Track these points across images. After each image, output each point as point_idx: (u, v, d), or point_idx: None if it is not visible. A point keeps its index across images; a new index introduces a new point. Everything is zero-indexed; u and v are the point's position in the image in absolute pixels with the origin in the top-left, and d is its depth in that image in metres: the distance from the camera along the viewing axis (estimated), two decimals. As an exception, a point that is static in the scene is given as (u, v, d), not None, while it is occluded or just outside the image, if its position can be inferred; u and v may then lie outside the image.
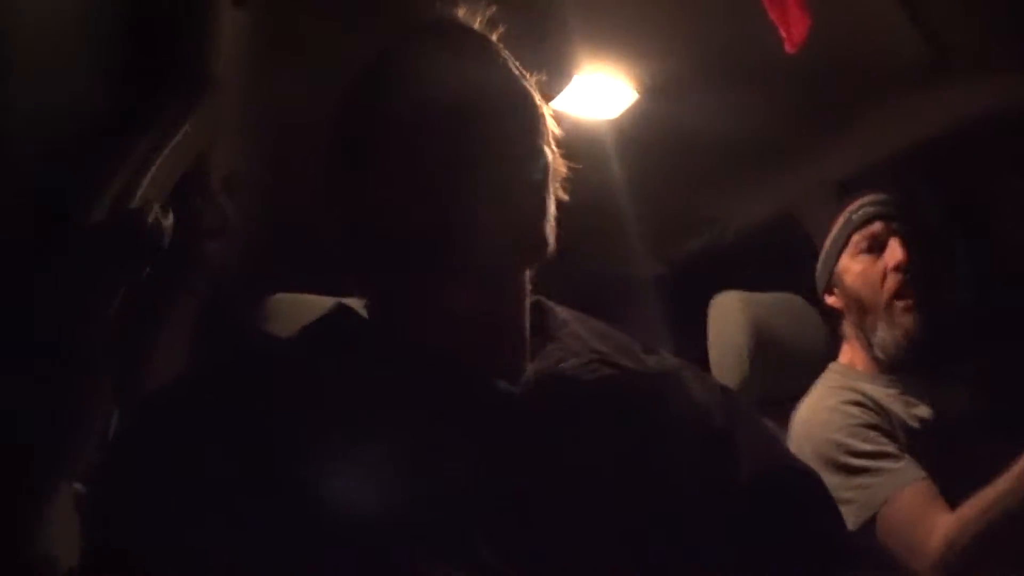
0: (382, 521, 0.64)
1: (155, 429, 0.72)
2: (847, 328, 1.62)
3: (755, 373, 1.68)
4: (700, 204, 2.17)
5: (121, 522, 0.68)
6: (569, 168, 0.85)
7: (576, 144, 0.85)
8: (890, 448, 1.36)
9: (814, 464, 1.15)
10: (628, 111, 1.73)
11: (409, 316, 0.80)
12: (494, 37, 0.85)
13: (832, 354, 1.66)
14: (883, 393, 1.48)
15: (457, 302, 0.77)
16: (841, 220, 1.64)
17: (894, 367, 1.52)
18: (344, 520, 0.64)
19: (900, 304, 1.51)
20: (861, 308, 1.57)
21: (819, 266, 1.69)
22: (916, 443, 1.38)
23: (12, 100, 0.87)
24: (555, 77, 1.54)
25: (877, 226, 1.58)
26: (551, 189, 0.79)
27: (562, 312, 0.89)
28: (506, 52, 0.83)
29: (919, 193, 1.88)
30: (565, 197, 0.82)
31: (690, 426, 0.81)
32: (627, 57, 1.59)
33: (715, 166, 1.97)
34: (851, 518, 1.29)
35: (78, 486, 0.96)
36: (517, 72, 0.82)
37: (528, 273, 0.83)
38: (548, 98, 0.85)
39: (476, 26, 0.85)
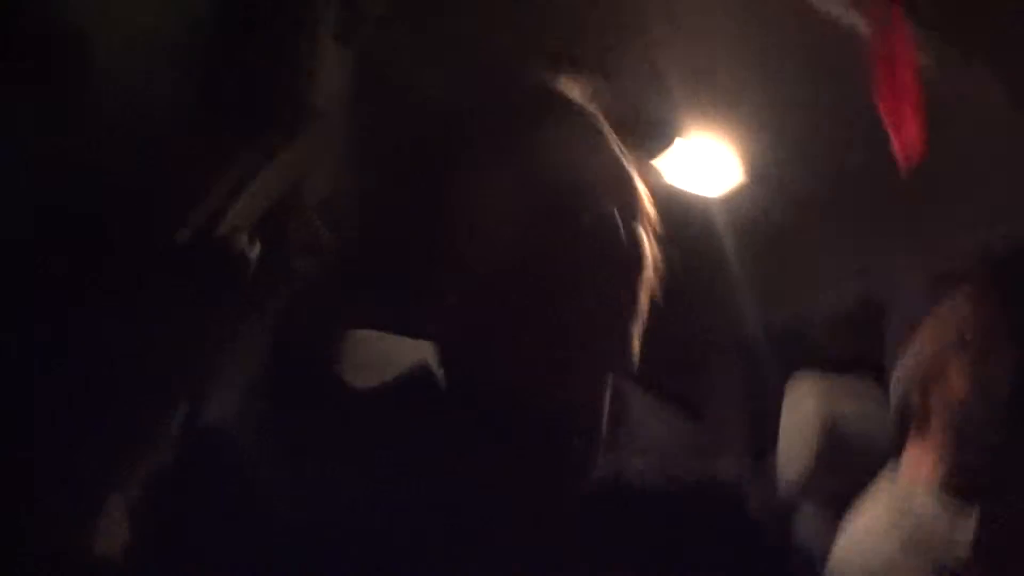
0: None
1: (216, 458, 0.73)
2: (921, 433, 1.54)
3: (820, 469, 1.64)
4: (796, 276, 2.12)
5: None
6: (667, 241, 0.83)
7: (674, 214, 0.83)
8: None
9: None
10: (730, 185, 1.72)
11: (478, 386, 0.79)
12: (595, 108, 0.83)
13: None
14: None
15: (531, 384, 0.76)
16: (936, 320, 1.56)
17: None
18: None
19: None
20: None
21: (904, 362, 1.61)
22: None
23: (114, 122, 0.90)
24: (657, 140, 1.53)
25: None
26: (646, 285, 0.77)
27: (636, 399, 0.87)
28: (607, 127, 0.82)
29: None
30: (658, 295, 0.80)
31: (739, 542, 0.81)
32: (733, 126, 1.57)
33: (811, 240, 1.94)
34: None
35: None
36: (618, 151, 0.81)
37: None
38: (648, 163, 0.83)
39: (578, 97, 0.83)
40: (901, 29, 1.12)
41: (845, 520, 1.46)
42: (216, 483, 0.71)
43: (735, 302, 2.10)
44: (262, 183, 1.11)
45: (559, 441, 0.76)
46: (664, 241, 0.83)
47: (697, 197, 1.75)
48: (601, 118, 0.82)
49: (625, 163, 0.81)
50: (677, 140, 1.56)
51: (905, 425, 1.58)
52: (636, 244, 0.76)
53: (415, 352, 0.85)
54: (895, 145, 1.13)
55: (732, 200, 1.75)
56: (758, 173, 1.69)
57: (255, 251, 1.05)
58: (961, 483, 1.42)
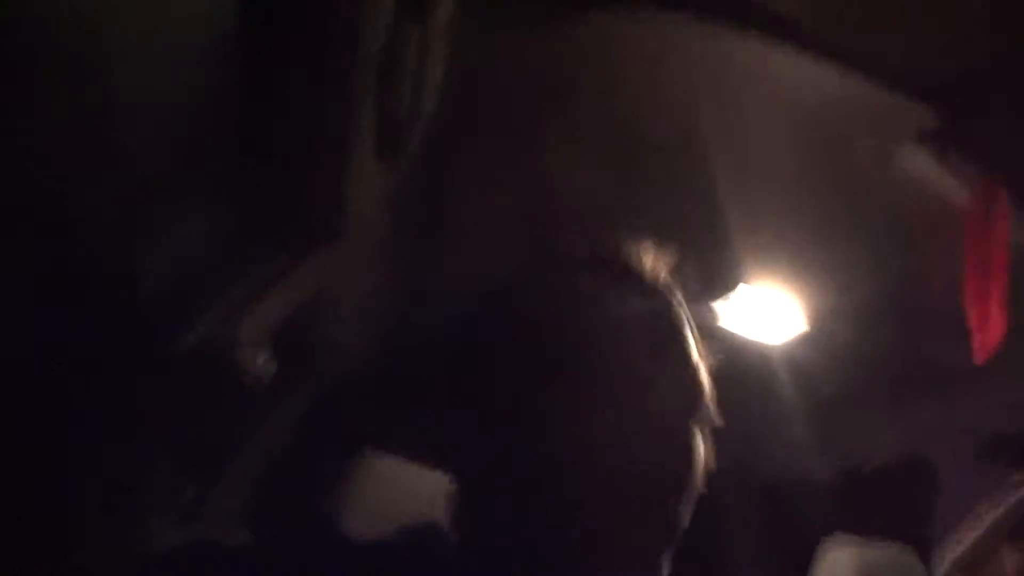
0: None
1: None
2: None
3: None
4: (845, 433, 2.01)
5: None
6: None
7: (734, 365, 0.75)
8: None
9: None
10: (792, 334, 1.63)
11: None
12: (665, 277, 0.76)
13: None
14: None
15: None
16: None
17: None
18: None
19: None
20: None
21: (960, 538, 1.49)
22: None
23: (150, 234, 0.85)
24: (717, 288, 1.46)
25: None
26: (700, 455, 0.69)
27: None
28: (679, 297, 0.74)
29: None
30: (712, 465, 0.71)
31: None
32: (796, 277, 1.49)
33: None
34: None
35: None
36: (686, 318, 0.73)
37: None
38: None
39: (649, 267, 0.76)
40: (1003, 212, 1.03)
41: None
42: None
43: (783, 455, 2.00)
44: (283, 290, 1.05)
45: None
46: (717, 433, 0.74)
47: (757, 343, 1.66)
48: (675, 292, 0.75)
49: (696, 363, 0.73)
50: (741, 286, 1.48)
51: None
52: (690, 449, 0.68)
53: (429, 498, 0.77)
54: (975, 341, 1.03)
55: (793, 349, 1.66)
56: (822, 327, 1.59)
57: (272, 367, 0.98)
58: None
